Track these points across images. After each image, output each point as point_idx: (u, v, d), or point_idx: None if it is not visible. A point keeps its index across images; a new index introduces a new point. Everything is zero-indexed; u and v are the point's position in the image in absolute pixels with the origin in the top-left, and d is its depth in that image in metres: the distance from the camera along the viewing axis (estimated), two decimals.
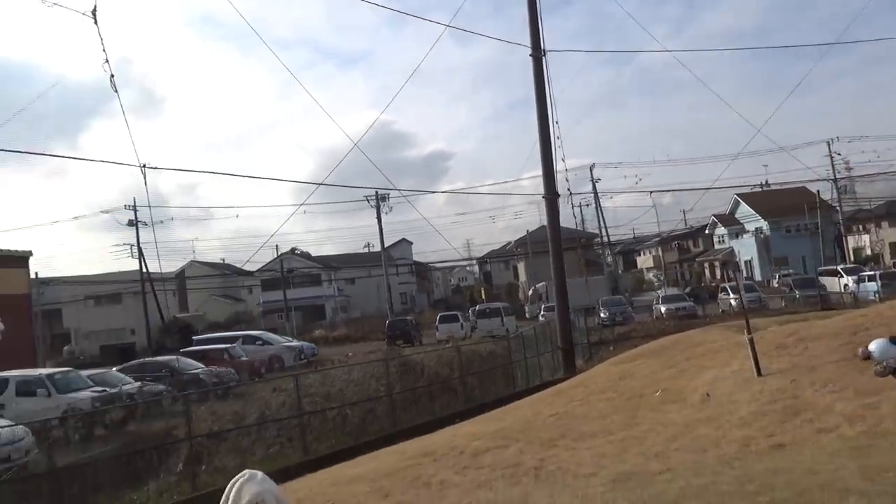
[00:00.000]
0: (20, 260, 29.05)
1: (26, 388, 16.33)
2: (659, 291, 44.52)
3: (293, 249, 52.65)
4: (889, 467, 4.24)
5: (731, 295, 33.40)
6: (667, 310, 32.28)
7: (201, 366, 21.57)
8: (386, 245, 41.87)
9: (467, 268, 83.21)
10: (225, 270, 53.76)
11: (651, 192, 53.42)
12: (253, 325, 43.16)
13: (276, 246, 51.03)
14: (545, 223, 55.79)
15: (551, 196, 16.09)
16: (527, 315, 38.19)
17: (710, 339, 11.25)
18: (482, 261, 62.34)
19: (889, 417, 5.16)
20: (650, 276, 64.66)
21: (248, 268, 47.19)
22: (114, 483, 11.84)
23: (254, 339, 28.76)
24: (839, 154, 44.62)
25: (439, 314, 34.53)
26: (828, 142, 43.66)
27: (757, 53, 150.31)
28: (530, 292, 45.32)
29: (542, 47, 15.90)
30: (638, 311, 35.24)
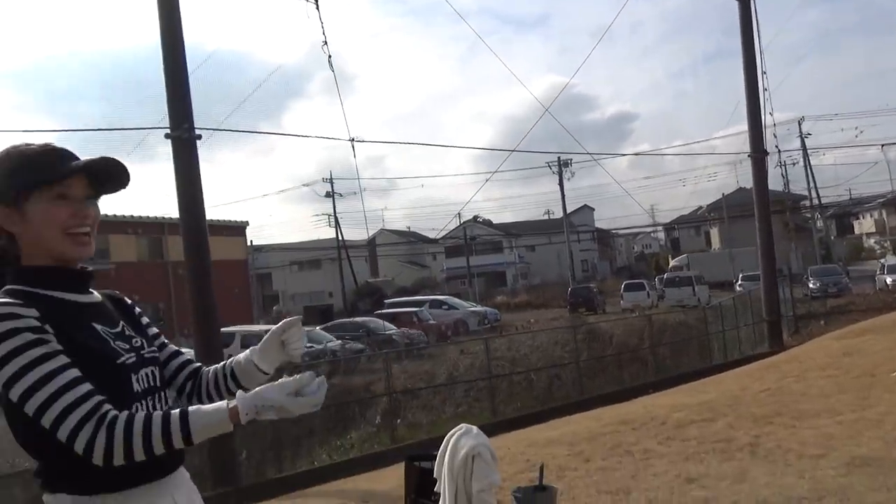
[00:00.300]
0: (239, 230, 32.83)
1: (248, 342, 18.45)
2: (882, 260, 39.19)
3: (475, 217, 53.80)
4: None
5: None
6: (893, 281, 28.38)
7: (394, 327, 22.94)
8: (567, 211, 41.21)
9: (652, 234, 79.58)
10: (411, 238, 56.47)
11: (882, 146, 46.16)
12: (437, 290, 45.03)
13: (459, 214, 52.47)
14: (741, 186, 51.45)
15: (759, 154, 14.62)
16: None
17: None
18: (669, 227, 59.16)
19: None
20: (871, 242, 57.11)
21: (433, 236, 49.08)
22: (324, 429, 13.03)
23: (440, 304, 29.96)
24: None
25: (624, 282, 33.45)
26: None
27: None
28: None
29: None
30: (856, 281, 31.43)
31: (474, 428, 4.28)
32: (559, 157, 38.28)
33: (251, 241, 38.26)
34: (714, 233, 54.30)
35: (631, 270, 57.51)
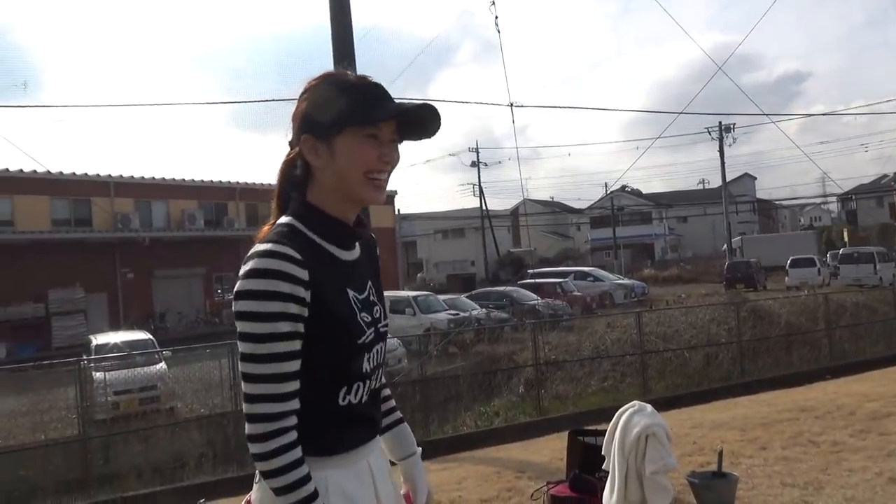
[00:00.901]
0: (388, 198, 33.93)
1: (396, 307, 19.03)
2: None
3: (623, 187, 51.74)
4: None
5: None
6: None
7: (537, 297, 22.65)
8: (727, 180, 38.37)
9: (822, 206, 72.42)
10: (555, 208, 55.50)
11: None
12: (580, 261, 44.04)
13: (605, 184, 50.78)
14: None
15: None
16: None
17: None
18: (845, 197, 53.26)
19: None
20: None
21: (579, 207, 47.85)
22: (469, 396, 13.14)
23: (585, 276, 29.18)
24: None
25: (791, 257, 30.66)
26: None
27: None
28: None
29: None
30: None
31: (648, 406, 3.95)
32: (720, 122, 35.53)
33: (398, 210, 39.47)
34: None
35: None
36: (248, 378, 1.21)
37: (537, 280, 25.80)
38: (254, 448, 1.21)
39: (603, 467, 3.85)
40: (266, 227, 1.34)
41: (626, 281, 29.76)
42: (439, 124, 1.34)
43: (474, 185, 43.50)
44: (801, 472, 4.47)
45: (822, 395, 7.39)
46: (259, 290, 1.19)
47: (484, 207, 43.10)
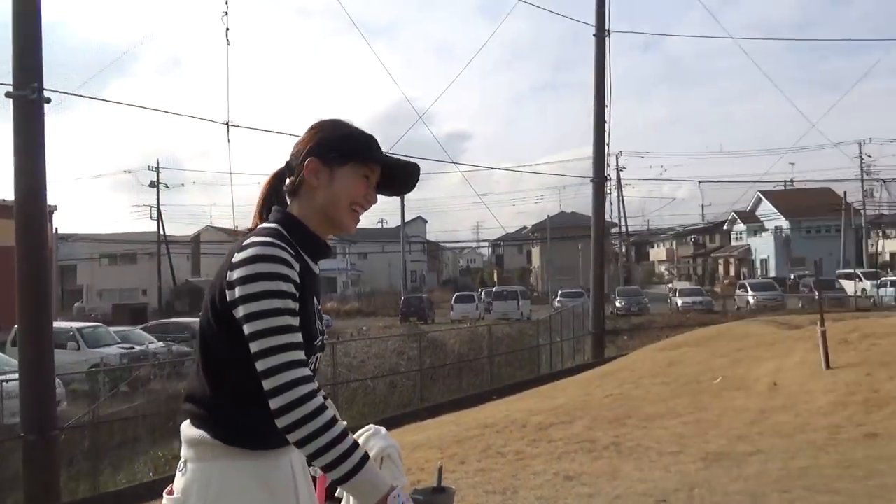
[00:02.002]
0: (37, 213, 29.07)
1: (56, 341, 16.44)
2: (670, 285, 44.46)
3: None
4: None
5: (749, 292, 33.39)
6: (683, 303, 32.31)
7: None
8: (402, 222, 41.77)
9: (477, 250, 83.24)
10: (240, 237, 53.59)
11: (700, 182, 53.20)
12: None
13: None
14: (562, 210, 55.24)
15: (600, 180, 15.97)
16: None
17: (756, 332, 11.21)
18: (496, 243, 62.36)
19: None
20: (662, 269, 64.52)
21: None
22: (149, 439, 11.94)
23: None
24: (869, 156, 44.25)
25: (455, 293, 34.61)
26: (859, 143, 43.28)
27: (791, 46, 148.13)
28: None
29: (607, 27, 15.71)
30: (652, 302, 35.25)
31: (382, 429, 4.14)
32: None
33: (56, 229, 34.19)
34: (535, 252, 58.09)
35: (457, 283, 59.64)
36: (274, 350, 1.29)
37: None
38: (296, 413, 1.26)
39: (336, 494, 3.97)
40: (249, 228, 1.52)
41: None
42: (415, 184, 1.59)
43: (152, 206, 40.03)
44: (497, 480, 5.17)
45: (497, 413, 8.55)
46: (270, 272, 1.33)
47: (162, 231, 39.84)
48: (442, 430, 7.85)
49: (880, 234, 52.97)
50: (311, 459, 1.31)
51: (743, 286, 35.48)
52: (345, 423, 1.35)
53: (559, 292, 36.25)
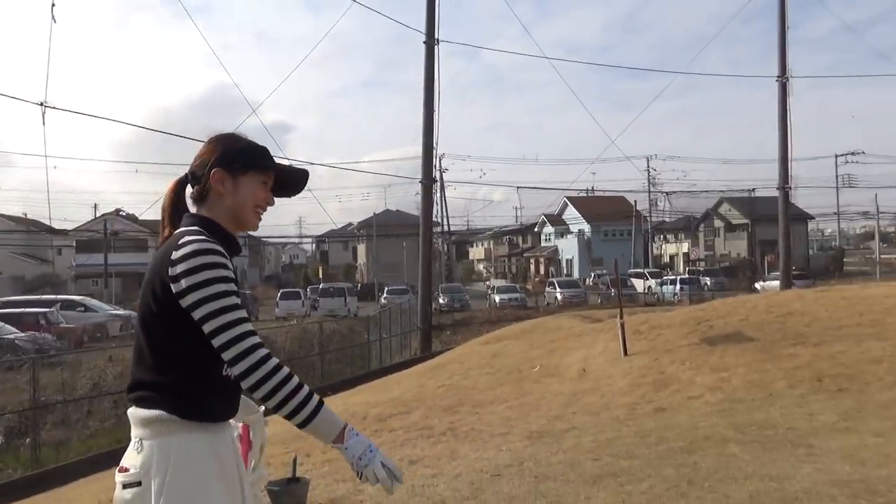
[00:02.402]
0: None
1: None
2: (488, 282, 47.22)
3: (118, 210, 48.23)
4: (751, 423, 5.34)
5: (557, 289, 36.55)
6: (500, 300, 34.55)
7: (15, 330, 19.46)
8: None
9: (300, 245, 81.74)
10: (32, 227, 47.90)
11: (518, 188, 57.06)
12: (61, 289, 39.25)
13: (96, 205, 46.59)
14: (388, 208, 56.02)
15: (428, 182, 16.69)
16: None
17: (566, 325, 12.52)
18: (321, 239, 61.76)
19: (740, 388, 6.38)
20: (480, 267, 68.05)
21: (62, 226, 42.53)
22: None
23: (74, 305, 26.30)
24: (655, 170, 50.21)
25: (280, 290, 33.89)
26: (647, 158, 48.90)
27: (591, 67, 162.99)
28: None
29: (437, 36, 16.42)
30: (471, 299, 37.23)
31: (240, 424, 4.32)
32: None
33: None
34: (361, 248, 58.50)
35: (279, 279, 58.24)
36: (232, 324, 1.54)
37: (15, 310, 22.07)
38: (259, 373, 1.52)
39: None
40: (166, 235, 1.71)
41: (122, 311, 27.95)
42: (304, 187, 1.89)
43: None
44: (346, 469, 5.38)
45: (335, 407, 8.67)
46: (212, 262, 1.56)
47: None
48: (282, 427, 7.84)
49: (662, 238, 60.40)
50: (276, 410, 1.56)
51: (552, 284, 38.68)
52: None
53: (385, 289, 36.95)
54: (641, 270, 44.42)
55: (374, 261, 47.13)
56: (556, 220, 60.29)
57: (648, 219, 52.68)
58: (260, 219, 1.79)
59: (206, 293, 1.54)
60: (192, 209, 1.76)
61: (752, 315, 8.93)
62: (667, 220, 59.38)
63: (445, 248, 54.82)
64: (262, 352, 1.55)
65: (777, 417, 5.44)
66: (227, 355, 1.54)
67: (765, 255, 51.00)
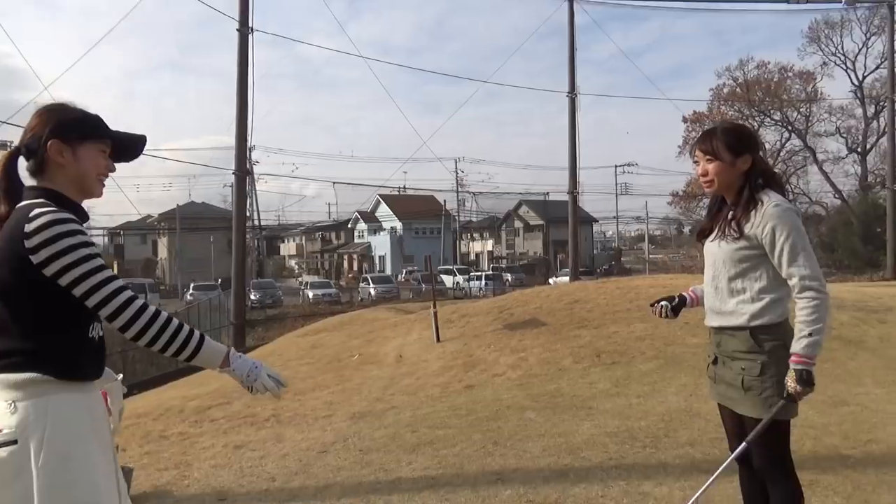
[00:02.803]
0: None
1: None
2: (301, 278, 46.67)
3: None
4: (544, 393, 6.21)
5: (371, 285, 37.19)
6: (314, 295, 34.39)
7: None
8: None
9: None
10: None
11: (335, 183, 56.27)
12: None
13: None
14: (193, 200, 52.76)
15: (242, 173, 16.25)
16: None
17: (382, 317, 13.05)
18: (115, 231, 56.46)
19: (536, 365, 7.30)
20: (292, 263, 66.77)
21: None
22: None
23: None
24: (462, 171, 52.86)
25: None
26: (455, 160, 51.33)
27: (403, 68, 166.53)
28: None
29: (251, 24, 16.03)
30: (283, 295, 36.62)
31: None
32: None
33: None
34: (162, 242, 54.50)
35: None
36: (102, 283, 1.64)
37: None
38: (140, 321, 1.65)
39: None
40: (3, 212, 1.72)
41: None
42: (142, 152, 1.96)
43: None
44: (167, 459, 5.40)
45: (147, 403, 8.45)
46: (69, 230, 1.63)
47: None
48: None
49: (469, 237, 63.77)
50: (162, 351, 1.70)
51: (365, 279, 39.26)
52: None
53: (192, 285, 35.02)
54: (450, 267, 46.70)
55: (177, 255, 44.31)
56: (370, 217, 61.09)
57: (457, 218, 55.38)
58: (103, 186, 1.84)
59: (70, 259, 1.59)
60: (31, 183, 1.76)
61: (546, 304, 10.11)
62: (473, 220, 62.90)
63: (257, 244, 53.08)
64: (139, 302, 1.65)
65: (565, 387, 6.37)
66: (104, 312, 1.63)
67: (557, 254, 56.13)
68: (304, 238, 67.57)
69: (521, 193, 57.21)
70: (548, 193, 52.16)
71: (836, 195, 45.20)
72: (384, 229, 60.26)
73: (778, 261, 2.43)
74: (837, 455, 4.15)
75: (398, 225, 58.64)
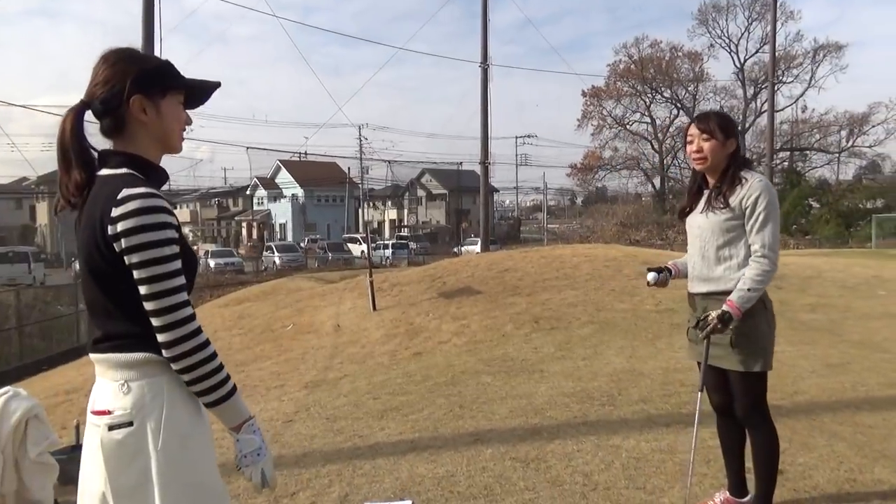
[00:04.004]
0: None
1: None
2: (196, 246, 44.74)
3: None
4: (494, 358, 6.48)
5: (276, 253, 36.30)
6: (216, 264, 33.19)
7: None
8: None
9: None
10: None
11: (248, 148, 53.01)
12: None
13: None
14: None
15: None
16: None
17: (305, 286, 12.92)
18: None
19: (479, 332, 7.57)
20: (186, 230, 63.75)
21: None
22: None
23: None
24: (366, 139, 52.18)
25: None
26: (359, 126, 50.56)
27: (301, 28, 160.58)
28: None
29: None
30: None
31: (22, 389, 3.94)
32: None
33: None
34: (41, 208, 50.31)
35: None
36: (167, 292, 1.48)
37: None
38: (184, 346, 1.48)
39: None
40: (79, 180, 1.55)
41: None
42: (209, 98, 1.76)
43: None
44: None
45: (72, 379, 8.06)
46: (155, 223, 1.48)
47: None
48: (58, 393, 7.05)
49: (372, 205, 63.36)
50: (189, 384, 1.53)
51: (269, 248, 38.27)
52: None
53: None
54: (356, 235, 46.33)
55: (58, 223, 41.17)
56: (269, 183, 59.26)
57: (361, 186, 54.79)
58: (183, 139, 1.70)
59: (147, 256, 1.47)
60: (105, 144, 1.60)
61: (477, 272, 10.40)
62: (375, 188, 62.49)
63: None
64: (193, 325, 1.51)
65: (512, 352, 6.67)
66: (156, 321, 1.49)
67: (460, 223, 56.96)
68: (198, 204, 64.61)
69: (435, 163, 57.29)
70: (461, 163, 52.57)
71: None
72: (285, 196, 58.72)
73: (750, 226, 2.77)
74: (772, 405, 4.67)
75: (300, 192, 57.31)
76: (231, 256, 35.51)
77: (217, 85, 1.73)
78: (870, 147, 45.85)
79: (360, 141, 50.22)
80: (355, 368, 6.71)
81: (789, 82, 45.39)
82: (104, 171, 1.58)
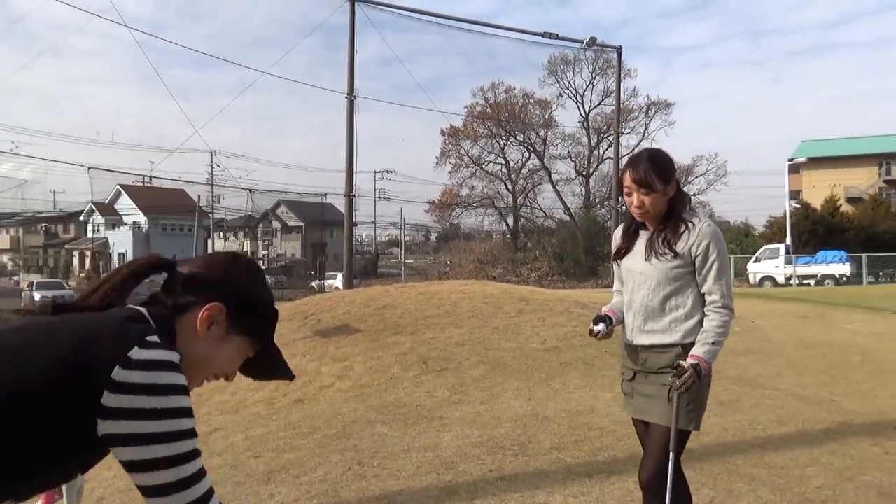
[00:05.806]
0: None
1: None
2: (17, 277, 39.77)
3: None
4: (385, 404, 5.97)
5: (35, 291, 33.08)
6: (42, 297, 29.60)
7: None
8: None
9: None
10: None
11: (90, 169, 47.34)
12: None
13: None
14: None
15: None
16: None
17: None
18: None
19: (364, 374, 7.01)
20: (5, 259, 56.60)
21: None
22: None
23: None
24: (220, 165, 49.62)
25: None
26: (211, 152, 47.98)
27: (147, 46, 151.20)
28: None
29: None
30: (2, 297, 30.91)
31: None
32: None
33: None
34: None
35: None
36: (185, 483, 1.09)
37: None
38: None
39: None
40: (98, 300, 1.21)
41: None
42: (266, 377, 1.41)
43: None
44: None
45: None
46: (175, 408, 1.10)
47: None
48: None
49: (223, 236, 60.25)
50: None
51: (30, 284, 34.88)
52: None
53: None
54: None
55: None
56: (108, 209, 54.28)
57: (211, 215, 51.79)
58: (201, 385, 1.32)
59: (162, 428, 1.08)
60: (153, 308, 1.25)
61: (353, 309, 9.82)
62: (228, 217, 59.44)
63: None
64: None
65: (404, 397, 6.20)
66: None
67: (316, 256, 55.51)
68: (20, 230, 57.68)
69: (298, 193, 55.21)
70: (325, 195, 51.27)
71: (566, 211, 51.57)
72: (125, 223, 54.11)
73: (704, 275, 2.60)
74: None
75: (143, 219, 53.08)
76: (60, 289, 31.77)
77: (284, 376, 1.41)
78: (694, 195, 50.84)
79: (213, 167, 47.67)
80: (227, 420, 5.91)
81: (626, 133, 49.35)
82: (128, 314, 1.22)
